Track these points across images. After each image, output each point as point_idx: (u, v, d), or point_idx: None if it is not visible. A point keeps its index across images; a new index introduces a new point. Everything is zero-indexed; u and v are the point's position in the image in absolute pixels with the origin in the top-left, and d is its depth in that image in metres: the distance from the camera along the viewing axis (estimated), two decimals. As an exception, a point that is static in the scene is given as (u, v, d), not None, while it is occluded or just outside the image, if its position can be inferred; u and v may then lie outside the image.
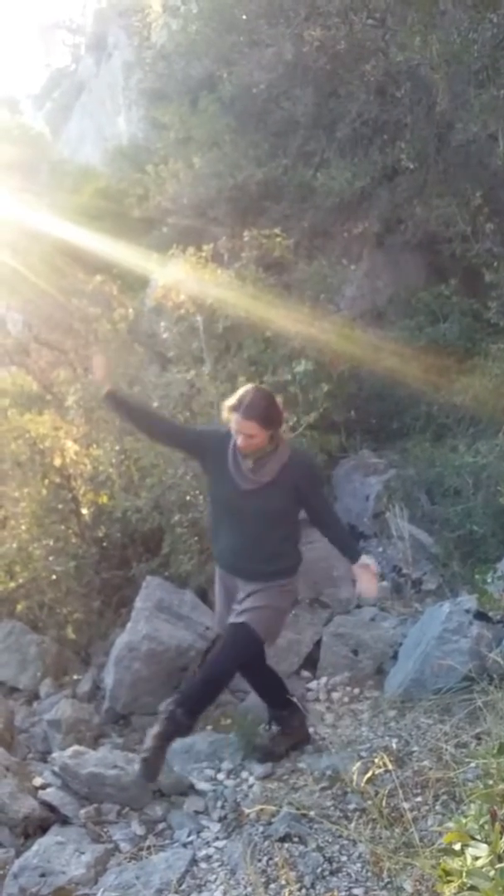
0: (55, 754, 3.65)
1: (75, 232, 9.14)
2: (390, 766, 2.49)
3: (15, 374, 7.98)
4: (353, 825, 2.89)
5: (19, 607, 5.04)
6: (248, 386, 3.55)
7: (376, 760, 2.47)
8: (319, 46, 8.08)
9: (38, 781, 3.50)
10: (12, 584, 5.02)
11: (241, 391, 3.46)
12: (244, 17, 9.23)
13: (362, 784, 2.54)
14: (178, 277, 6.74)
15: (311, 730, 3.84)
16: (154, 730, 3.28)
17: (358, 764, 2.73)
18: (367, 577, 3.48)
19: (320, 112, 8.62)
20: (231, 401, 3.42)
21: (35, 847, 3.01)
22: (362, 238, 8.53)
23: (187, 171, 9.20)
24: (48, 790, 3.41)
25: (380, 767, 2.50)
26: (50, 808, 3.33)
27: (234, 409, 3.37)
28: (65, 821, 3.29)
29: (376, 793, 2.94)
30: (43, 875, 2.88)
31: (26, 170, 12.39)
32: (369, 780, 2.96)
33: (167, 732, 3.27)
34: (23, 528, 5.17)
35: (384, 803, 2.84)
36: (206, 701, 3.42)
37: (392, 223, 8.48)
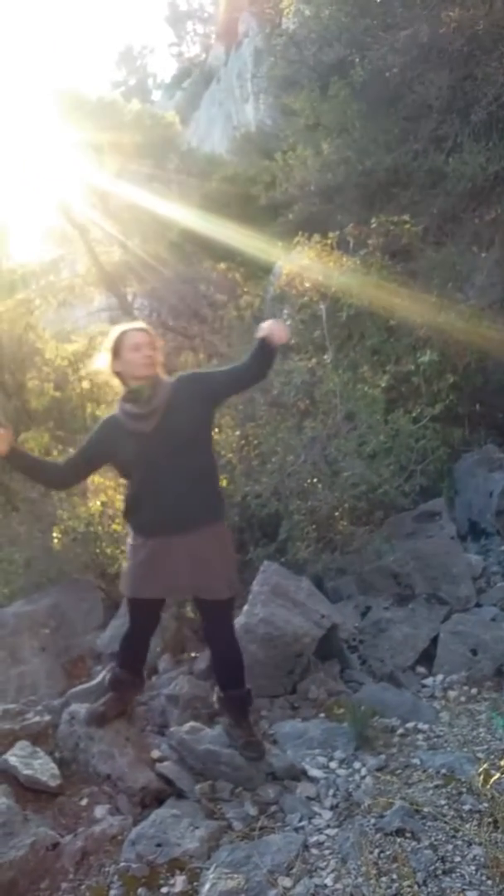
0: (172, 728, 3.75)
1: (202, 219, 9.32)
2: (514, 770, 2.42)
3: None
4: (468, 826, 2.83)
5: (140, 585, 5.18)
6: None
7: (502, 763, 2.40)
8: (457, 28, 7.86)
9: (155, 754, 3.59)
10: (134, 562, 5.18)
11: (108, 336, 3.36)
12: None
13: (488, 786, 2.47)
14: (303, 265, 6.74)
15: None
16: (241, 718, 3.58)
17: (484, 766, 2.65)
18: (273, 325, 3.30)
19: (455, 95, 8.39)
20: (109, 345, 3.31)
21: (152, 817, 3.10)
22: (494, 224, 8.26)
23: (315, 158, 9.17)
24: (165, 763, 3.50)
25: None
26: (166, 780, 3.42)
27: (123, 339, 3.29)
28: (180, 794, 3.37)
29: (495, 796, 2.88)
30: (159, 845, 2.96)
31: (157, 157, 12.67)
32: (487, 782, 2.90)
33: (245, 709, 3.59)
34: (146, 507, 5.32)
35: (504, 807, 2.77)
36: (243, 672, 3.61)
37: (527, 209, 8.18)
